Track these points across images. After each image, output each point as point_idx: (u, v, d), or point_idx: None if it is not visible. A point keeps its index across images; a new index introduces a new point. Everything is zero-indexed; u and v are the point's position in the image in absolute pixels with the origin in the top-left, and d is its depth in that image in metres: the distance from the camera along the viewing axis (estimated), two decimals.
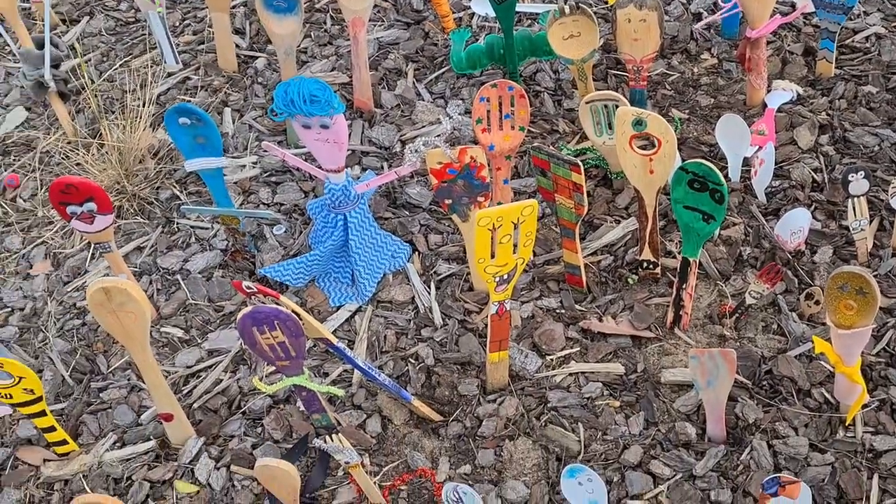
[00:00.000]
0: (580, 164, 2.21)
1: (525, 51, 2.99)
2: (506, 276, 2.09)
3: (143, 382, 2.42)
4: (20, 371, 2.15)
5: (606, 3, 3.29)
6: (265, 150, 2.64)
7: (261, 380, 2.18)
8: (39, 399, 2.23)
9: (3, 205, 3.06)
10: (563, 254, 2.44)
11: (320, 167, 2.46)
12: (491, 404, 2.29)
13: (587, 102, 2.51)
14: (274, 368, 2.41)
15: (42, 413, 2.26)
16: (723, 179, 2.05)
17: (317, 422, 2.24)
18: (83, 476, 2.31)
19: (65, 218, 2.35)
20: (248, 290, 2.08)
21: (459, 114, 2.45)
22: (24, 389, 2.19)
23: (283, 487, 2.05)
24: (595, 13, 2.68)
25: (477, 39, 3.16)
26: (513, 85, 2.42)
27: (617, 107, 2.40)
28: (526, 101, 2.43)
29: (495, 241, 2.01)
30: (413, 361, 2.40)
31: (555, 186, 2.30)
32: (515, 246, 2.05)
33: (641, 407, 2.25)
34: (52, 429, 2.30)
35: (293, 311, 1.97)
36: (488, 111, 2.46)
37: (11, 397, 2.21)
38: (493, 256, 2.04)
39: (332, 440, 1.98)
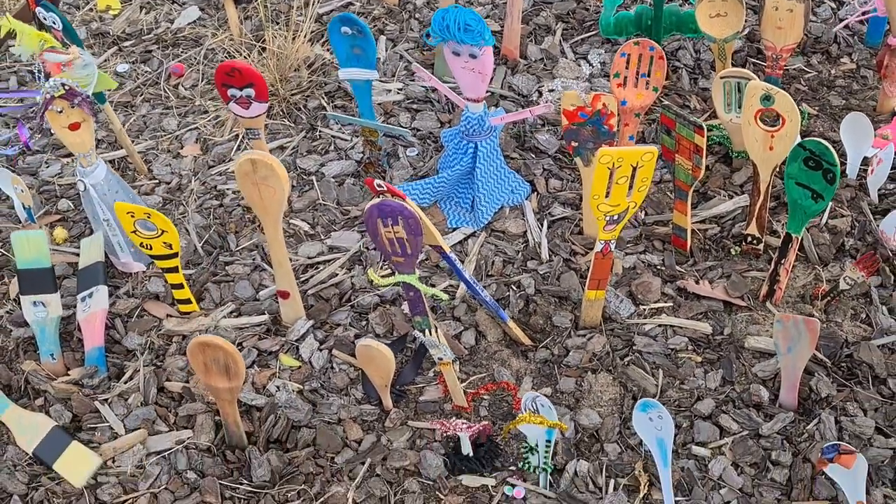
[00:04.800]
0: (704, 126, 2.32)
1: (671, 25, 3.10)
2: (616, 217, 2.21)
3: (268, 264, 2.62)
4: (164, 224, 2.35)
5: None
6: (414, 72, 2.79)
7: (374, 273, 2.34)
8: (175, 255, 2.43)
9: (167, 90, 3.30)
10: (674, 215, 2.56)
11: (461, 96, 2.61)
12: (580, 338, 2.42)
13: (722, 77, 2.62)
14: (386, 272, 2.59)
15: (174, 269, 2.47)
16: (837, 160, 2.14)
17: (417, 325, 2.38)
18: (199, 334, 2.49)
19: (224, 99, 2.55)
20: (378, 188, 2.24)
21: (600, 62, 2.57)
22: (164, 243, 2.39)
23: (378, 370, 2.21)
24: (746, 2, 2.78)
25: (628, 8, 3.29)
26: (654, 45, 2.53)
27: None
28: (664, 62, 2.54)
29: (612, 180, 2.14)
30: (515, 288, 2.55)
31: (676, 146, 2.41)
32: (630, 189, 2.17)
33: (721, 366, 2.35)
34: (180, 286, 2.51)
35: (416, 212, 2.13)
36: (626, 67, 2.59)
37: (151, 248, 2.41)
38: (607, 195, 2.17)
39: (432, 335, 2.14)
